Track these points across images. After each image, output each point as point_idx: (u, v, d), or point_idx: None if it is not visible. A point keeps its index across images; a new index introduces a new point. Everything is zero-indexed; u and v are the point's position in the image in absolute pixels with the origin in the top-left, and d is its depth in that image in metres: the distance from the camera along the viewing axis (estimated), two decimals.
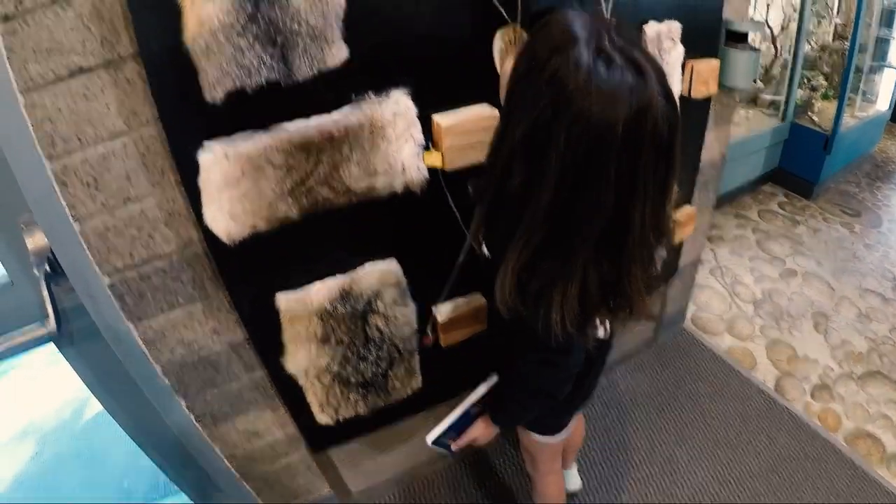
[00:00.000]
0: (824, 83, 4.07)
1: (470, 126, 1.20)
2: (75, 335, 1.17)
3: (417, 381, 1.62)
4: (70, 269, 1.03)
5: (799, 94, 3.92)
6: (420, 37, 1.15)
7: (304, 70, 1.01)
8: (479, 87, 1.26)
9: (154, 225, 1.07)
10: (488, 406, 1.25)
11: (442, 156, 1.20)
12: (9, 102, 0.86)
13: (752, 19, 2.02)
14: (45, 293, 1.05)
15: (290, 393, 1.43)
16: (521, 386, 1.18)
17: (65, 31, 0.86)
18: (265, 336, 1.30)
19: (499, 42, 1.29)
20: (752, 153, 3.72)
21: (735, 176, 3.72)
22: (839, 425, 2.38)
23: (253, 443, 1.51)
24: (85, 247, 1.02)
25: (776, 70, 3.95)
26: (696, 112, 1.91)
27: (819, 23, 4.06)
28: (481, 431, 1.30)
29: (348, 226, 1.23)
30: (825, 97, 4.05)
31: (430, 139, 1.23)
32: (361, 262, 1.31)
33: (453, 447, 1.31)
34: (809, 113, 3.95)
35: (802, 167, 3.93)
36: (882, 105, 4.49)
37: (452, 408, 1.29)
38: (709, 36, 1.87)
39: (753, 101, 3.97)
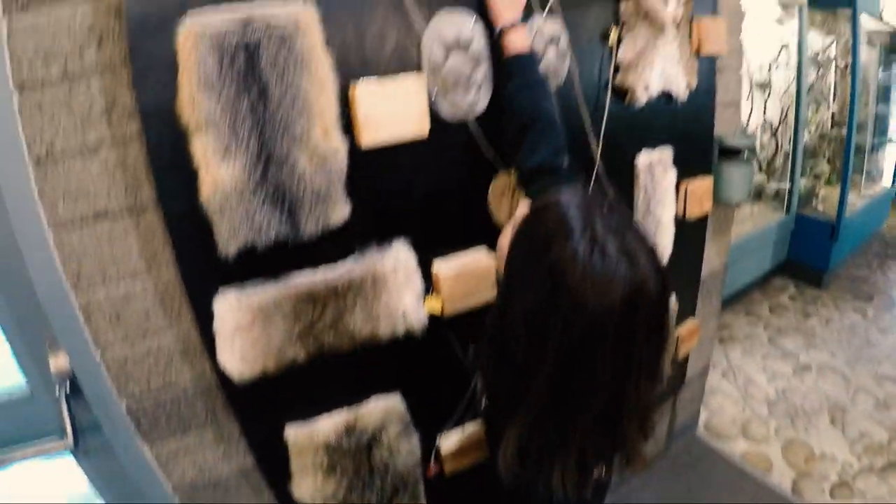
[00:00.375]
0: (827, 169, 4.10)
1: (468, 272, 1.27)
2: (91, 451, 1.20)
3: None
4: (90, 391, 1.09)
5: (802, 183, 3.94)
6: (418, 190, 1.24)
7: (310, 228, 1.08)
8: (476, 232, 1.34)
9: (170, 358, 1.13)
10: None
11: (442, 302, 1.25)
12: (40, 237, 0.95)
13: (743, 131, 2.04)
14: (65, 411, 1.09)
15: None
16: None
17: (91, 177, 0.97)
18: (273, 464, 1.31)
19: (493, 190, 1.36)
20: (758, 249, 3.72)
21: (743, 273, 3.69)
22: None
23: None
24: (105, 373, 1.07)
25: (778, 162, 3.99)
26: (692, 231, 1.92)
27: (817, 108, 4.12)
28: None
29: (353, 366, 1.25)
30: (829, 183, 4.08)
31: (431, 284, 1.27)
32: (366, 398, 1.32)
33: None
34: (814, 201, 3.96)
35: (811, 257, 3.91)
36: (887, 181, 4.50)
37: None
38: (702, 155, 1.90)
39: (758, 194, 3.99)
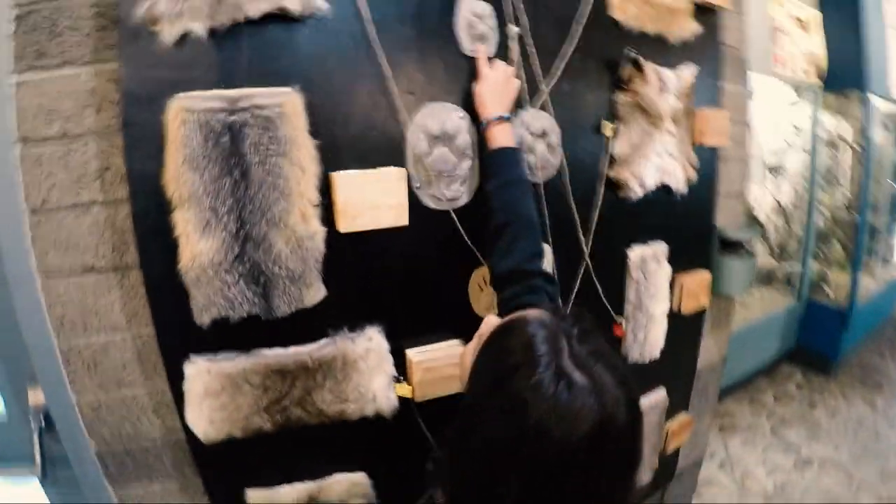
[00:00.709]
0: (839, 254, 4.00)
1: (441, 362, 1.24)
2: (60, 481, 1.24)
3: None
4: (62, 428, 1.14)
5: (814, 267, 3.85)
6: (396, 276, 1.23)
7: (282, 308, 1.09)
8: (451, 323, 1.31)
9: (142, 409, 1.15)
10: None
11: (413, 389, 1.24)
12: (30, 282, 1.01)
13: (746, 223, 1.96)
14: (37, 442, 1.16)
15: None
16: None
17: (82, 232, 1.02)
18: None
19: (473, 282, 1.32)
20: (766, 335, 3.62)
21: (749, 360, 3.59)
22: None
23: None
24: (78, 414, 1.10)
25: (791, 246, 3.90)
26: (688, 324, 1.84)
27: (832, 192, 4.05)
28: None
29: (320, 441, 1.24)
30: (842, 268, 3.97)
31: (403, 371, 1.25)
32: (331, 472, 1.29)
33: None
34: (825, 287, 3.85)
35: (820, 345, 3.79)
36: None
37: None
38: (700, 248, 1.82)
39: (768, 279, 3.89)
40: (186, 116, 0.95)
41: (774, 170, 3.79)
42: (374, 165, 1.13)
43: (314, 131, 1.06)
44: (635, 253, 1.58)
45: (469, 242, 1.27)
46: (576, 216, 1.43)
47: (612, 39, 1.47)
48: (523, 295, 1.04)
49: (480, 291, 1.33)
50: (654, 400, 1.81)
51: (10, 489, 1.30)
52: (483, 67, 1.20)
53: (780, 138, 3.72)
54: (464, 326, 1.24)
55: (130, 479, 1.19)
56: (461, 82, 1.23)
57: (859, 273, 3.51)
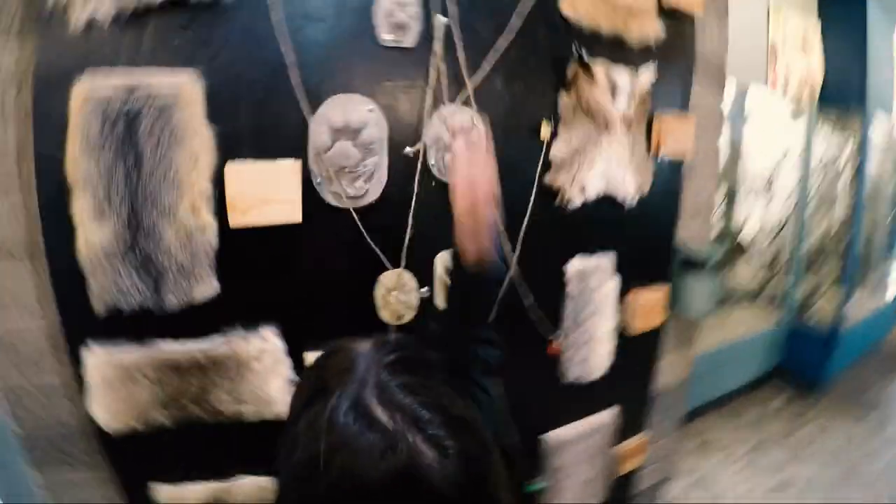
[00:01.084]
0: (830, 276, 3.86)
1: None
2: None
3: None
4: None
5: (803, 289, 3.71)
6: (296, 277, 1.17)
7: (173, 301, 1.07)
8: (354, 329, 1.18)
9: (59, 397, 1.13)
10: None
11: None
12: None
13: (714, 243, 1.85)
14: None
15: None
16: None
17: (1, 217, 1.02)
18: None
19: (380, 286, 1.23)
20: (749, 354, 3.50)
21: (731, 377, 3.47)
22: None
23: None
24: (4, 399, 1.10)
25: (780, 266, 3.77)
26: (642, 344, 1.72)
27: (827, 212, 3.92)
28: None
29: (223, 441, 1.20)
30: (832, 290, 3.83)
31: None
32: (236, 474, 1.25)
33: None
34: (813, 309, 3.72)
35: (806, 366, 3.67)
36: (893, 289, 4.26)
37: None
38: (656, 264, 1.71)
39: (754, 296, 3.76)
40: (85, 102, 0.95)
41: (766, 187, 3.66)
42: (275, 157, 1.08)
43: (214, 119, 1.02)
44: (574, 266, 1.47)
45: (372, 244, 1.19)
46: (499, 223, 1.32)
47: (559, 36, 1.36)
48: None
49: (388, 296, 1.24)
50: (598, 422, 1.71)
51: None
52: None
53: (773, 155, 3.59)
54: (368, 333, 1.15)
55: (53, 464, 1.18)
56: (376, 73, 1.15)
57: (849, 296, 3.36)
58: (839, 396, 3.72)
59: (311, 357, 1.17)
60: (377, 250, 1.20)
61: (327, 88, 1.10)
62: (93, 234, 1.00)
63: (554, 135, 1.36)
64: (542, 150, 1.36)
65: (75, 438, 1.17)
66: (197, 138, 1.01)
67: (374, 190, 1.17)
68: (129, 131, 0.98)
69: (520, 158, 1.35)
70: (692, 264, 1.83)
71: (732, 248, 3.63)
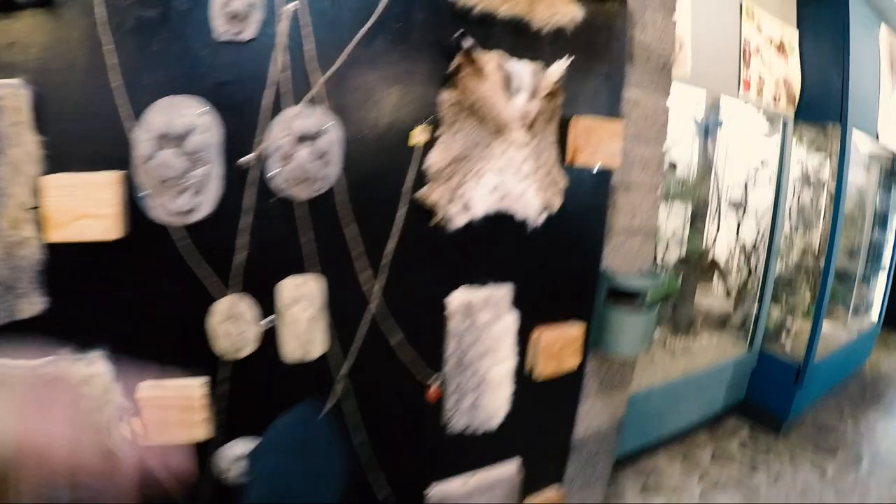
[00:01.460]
0: (804, 301, 3.63)
1: (172, 400, 1.08)
2: None
3: None
4: None
5: (774, 314, 3.47)
6: (123, 300, 1.05)
7: None
8: (188, 360, 1.10)
9: None
10: None
11: (143, 428, 1.08)
12: None
13: (648, 270, 1.59)
14: None
15: None
16: None
17: None
18: None
19: (215, 317, 1.08)
20: (711, 387, 3.23)
21: (688, 412, 3.18)
22: None
23: None
24: None
25: (750, 289, 3.53)
26: (551, 389, 1.47)
27: (804, 233, 3.68)
28: None
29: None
30: (805, 317, 3.59)
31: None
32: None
33: None
34: (783, 338, 3.48)
35: (771, 401, 3.42)
36: (874, 315, 4.04)
37: None
38: (570, 296, 1.45)
39: (722, 323, 3.51)
40: None
41: (737, 205, 3.41)
42: (102, 168, 0.98)
43: (41, 129, 0.94)
44: (457, 298, 1.21)
45: (192, 267, 1.04)
46: (358, 246, 1.08)
47: (442, 20, 1.10)
48: None
49: (224, 326, 1.08)
50: (496, 475, 1.45)
51: None
52: None
53: (745, 170, 3.35)
54: (203, 365, 1.08)
55: None
56: (210, 71, 1.00)
57: (819, 325, 3.12)
58: (806, 434, 3.48)
59: (144, 389, 1.06)
60: (204, 273, 1.05)
61: (155, 91, 0.98)
62: None
63: (433, 140, 1.10)
64: (414, 159, 1.09)
65: None
66: (20, 148, 0.94)
67: (205, 205, 1.03)
68: None
69: (386, 168, 1.11)
70: (623, 295, 1.57)
71: (698, 270, 3.40)
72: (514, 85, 1.15)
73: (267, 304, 1.10)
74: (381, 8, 1.04)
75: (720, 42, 2.70)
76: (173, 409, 1.07)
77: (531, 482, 1.59)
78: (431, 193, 1.12)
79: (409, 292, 1.17)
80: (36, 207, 0.97)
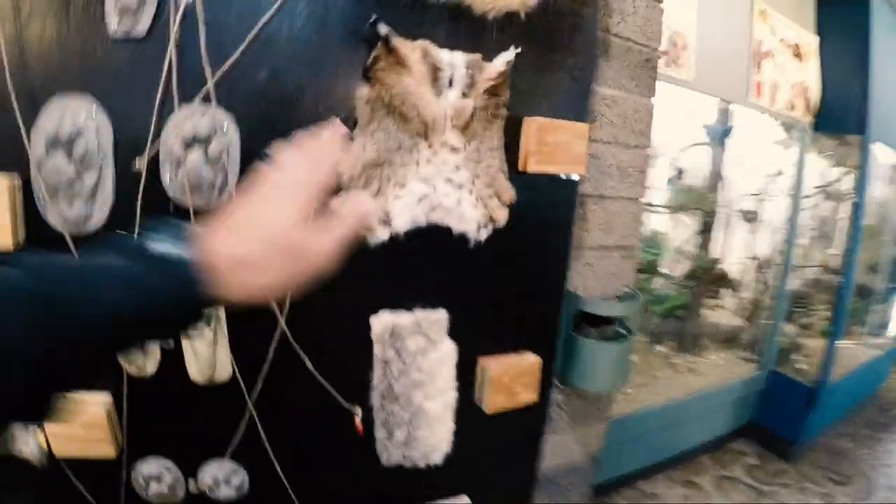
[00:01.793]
0: (822, 318, 3.42)
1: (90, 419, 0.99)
2: None
3: None
4: None
5: (787, 332, 3.27)
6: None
7: None
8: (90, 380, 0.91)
9: None
10: None
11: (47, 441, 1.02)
12: None
13: (623, 294, 1.42)
14: None
15: None
16: None
17: None
18: None
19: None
20: (716, 408, 3.04)
21: (692, 433, 3.00)
22: None
23: None
24: None
25: (762, 306, 3.33)
26: (505, 423, 1.30)
27: (824, 247, 3.47)
28: None
29: None
30: (822, 335, 3.38)
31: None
32: None
33: None
34: (796, 357, 3.27)
35: (780, 423, 3.22)
36: (893, 333, 3.83)
37: None
38: (522, 322, 1.28)
39: (730, 340, 3.32)
40: None
41: (749, 216, 3.22)
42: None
43: None
44: (381, 323, 1.06)
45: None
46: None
47: (360, 5, 0.95)
48: None
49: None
50: None
51: None
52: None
53: (759, 181, 3.16)
54: (107, 383, 1.02)
55: None
56: (103, 70, 0.91)
57: (835, 343, 2.93)
58: (817, 460, 3.26)
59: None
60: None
61: (49, 92, 0.89)
62: None
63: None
64: None
65: None
66: None
67: (98, 213, 0.95)
68: None
69: None
70: (596, 322, 1.40)
71: (706, 283, 3.22)
72: (442, 78, 0.99)
73: None
74: None
75: (729, 43, 2.51)
76: (90, 426, 0.99)
77: None
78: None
79: (324, 315, 1.03)
80: None
